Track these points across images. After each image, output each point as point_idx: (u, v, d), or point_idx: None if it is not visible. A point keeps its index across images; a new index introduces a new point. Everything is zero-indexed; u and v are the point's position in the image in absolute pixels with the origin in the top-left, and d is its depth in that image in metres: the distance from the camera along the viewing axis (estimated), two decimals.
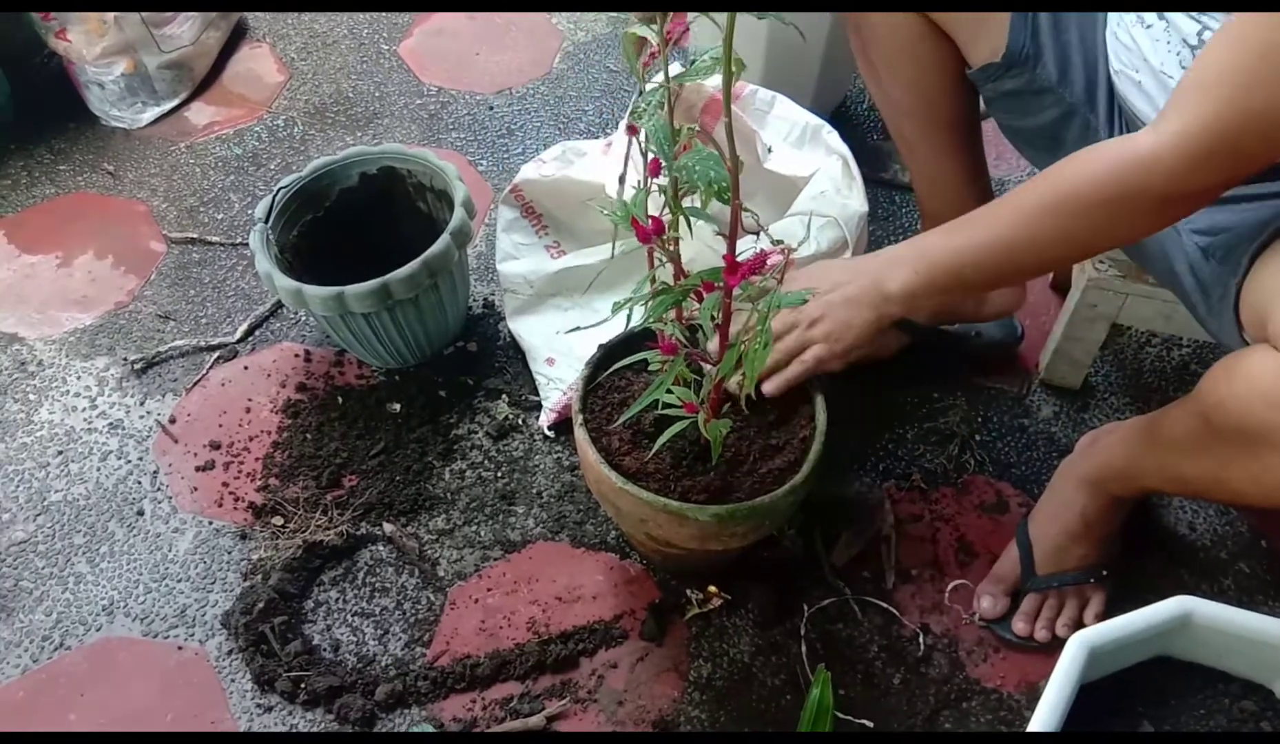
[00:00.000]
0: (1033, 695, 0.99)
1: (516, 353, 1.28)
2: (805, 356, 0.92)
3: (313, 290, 1.10)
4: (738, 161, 0.63)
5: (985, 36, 0.93)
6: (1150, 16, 0.79)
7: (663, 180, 0.69)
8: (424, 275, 1.12)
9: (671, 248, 0.75)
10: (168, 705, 0.99)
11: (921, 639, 1.03)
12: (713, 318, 0.74)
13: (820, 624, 1.04)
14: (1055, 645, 0.93)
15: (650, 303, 0.74)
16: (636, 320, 0.79)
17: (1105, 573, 1.01)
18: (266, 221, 1.18)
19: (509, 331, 1.29)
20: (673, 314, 0.82)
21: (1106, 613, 1.00)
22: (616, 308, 0.75)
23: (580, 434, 0.92)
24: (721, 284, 0.71)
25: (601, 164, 1.25)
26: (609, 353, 0.97)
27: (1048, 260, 0.80)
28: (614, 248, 0.84)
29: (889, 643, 1.03)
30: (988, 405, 1.22)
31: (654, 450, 0.88)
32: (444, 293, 1.18)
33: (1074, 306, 1.14)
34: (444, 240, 1.13)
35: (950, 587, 1.07)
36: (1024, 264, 0.82)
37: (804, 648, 1.02)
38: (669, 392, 0.81)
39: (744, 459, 0.93)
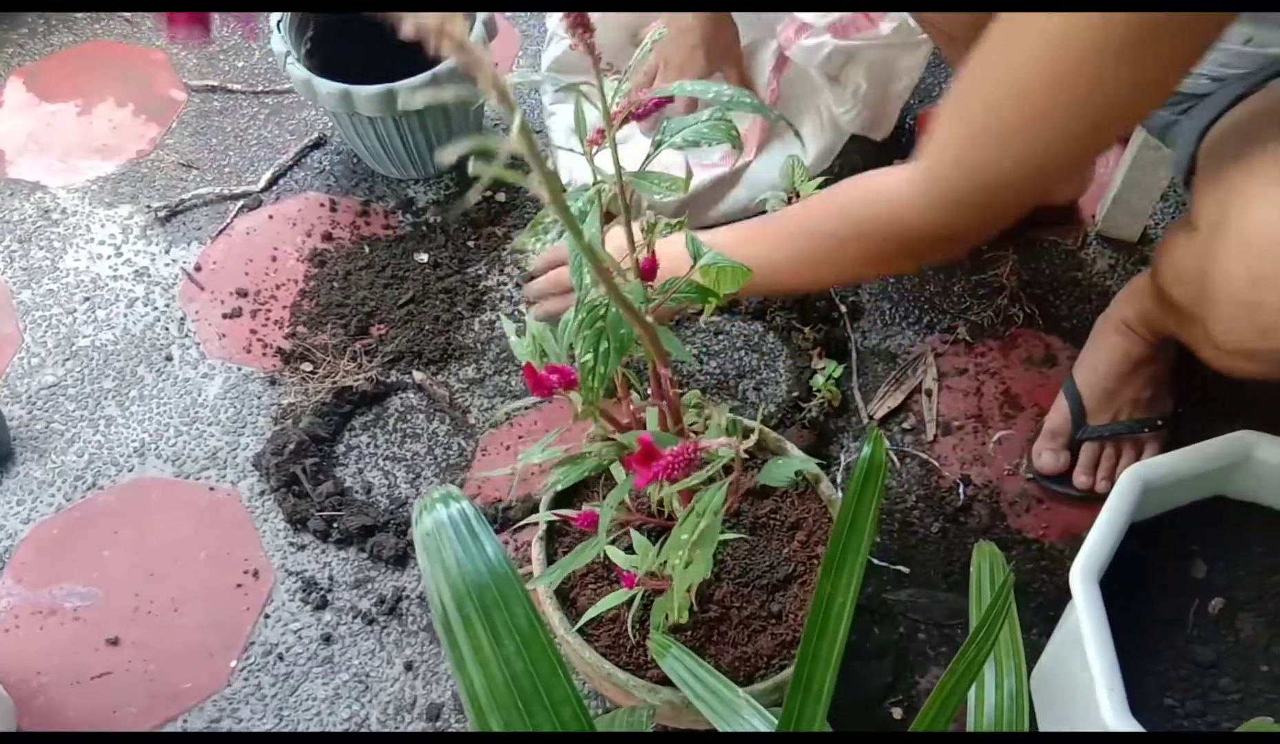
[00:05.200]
0: (1075, 545, 0.95)
1: None
2: None
3: (362, 90, 1.07)
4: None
5: None
6: None
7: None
8: None
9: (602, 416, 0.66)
10: (201, 542, 0.99)
11: (961, 490, 1.00)
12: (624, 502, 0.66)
13: None
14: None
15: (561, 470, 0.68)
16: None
17: (1160, 423, 0.98)
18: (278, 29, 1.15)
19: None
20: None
21: None
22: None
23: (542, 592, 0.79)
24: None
25: None
26: (558, 498, 0.85)
27: (817, 280, 0.88)
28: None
29: (927, 493, 1.00)
30: (1039, 258, 1.17)
31: (578, 624, 0.76)
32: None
33: (1136, 150, 1.08)
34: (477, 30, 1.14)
35: (995, 438, 1.04)
36: (795, 283, 0.87)
37: None
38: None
39: (727, 614, 0.80)
